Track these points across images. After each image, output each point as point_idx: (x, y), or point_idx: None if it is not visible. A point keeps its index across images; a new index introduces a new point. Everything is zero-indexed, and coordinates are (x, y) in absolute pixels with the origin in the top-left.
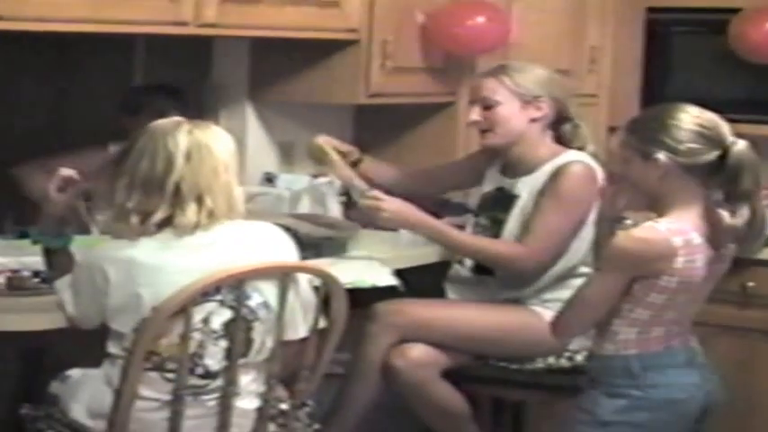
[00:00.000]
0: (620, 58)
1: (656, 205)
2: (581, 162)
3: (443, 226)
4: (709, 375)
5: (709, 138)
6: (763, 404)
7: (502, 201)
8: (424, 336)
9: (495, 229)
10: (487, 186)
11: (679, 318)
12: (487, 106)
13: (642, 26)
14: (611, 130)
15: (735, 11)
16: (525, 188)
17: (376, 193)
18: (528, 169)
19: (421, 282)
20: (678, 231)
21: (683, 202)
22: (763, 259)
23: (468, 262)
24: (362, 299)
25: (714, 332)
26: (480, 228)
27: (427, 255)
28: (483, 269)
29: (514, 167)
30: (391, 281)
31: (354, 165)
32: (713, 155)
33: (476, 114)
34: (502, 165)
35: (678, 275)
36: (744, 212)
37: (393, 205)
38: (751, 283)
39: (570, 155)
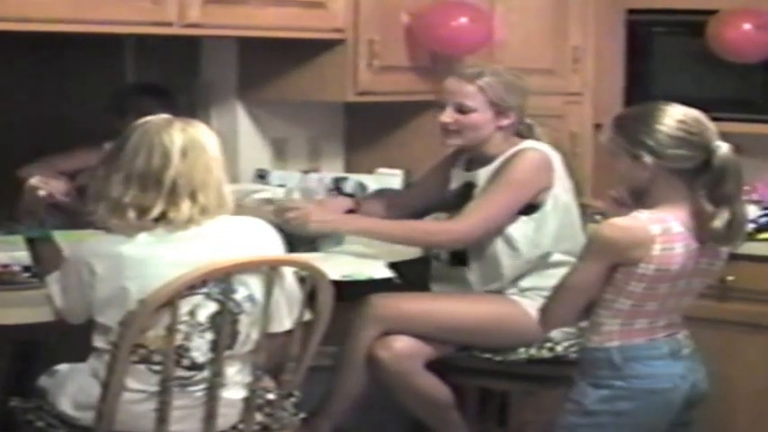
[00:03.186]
0: (602, 58)
1: (645, 199)
2: (534, 149)
3: (370, 221)
4: (694, 367)
5: (693, 143)
6: (743, 396)
7: (466, 194)
8: (408, 328)
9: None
10: (454, 184)
11: (662, 309)
12: (462, 111)
13: (623, 27)
14: (597, 127)
15: (712, 12)
16: (482, 177)
17: (296, 203)
18: (487, 160)
19: (414, 275)
20: (657, 220)
21: (669, 199)
22: (742, 254)
23: (444, 255)
24: (353, 292)
25: (694, 325)
26: None
27: (411, 251)
28: (457, 260)
29: (477, 162)
30: (386, 273)
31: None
32: (698, 160)
33: (449, 116)
34: (466, 161)
35: (655, 263)
36: (724, 215)
37: (317, 212)
38: (730, 277)
39: (527, 143)
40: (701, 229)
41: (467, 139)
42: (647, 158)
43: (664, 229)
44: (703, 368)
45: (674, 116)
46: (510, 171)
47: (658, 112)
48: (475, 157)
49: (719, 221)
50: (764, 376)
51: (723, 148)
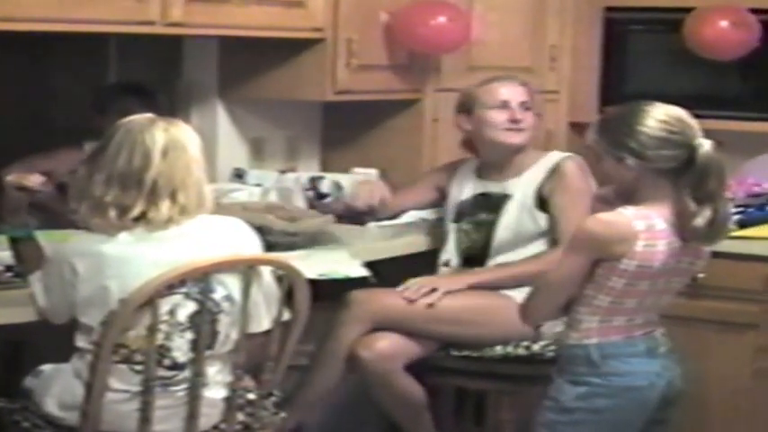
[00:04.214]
0: (579, 56)
1: (631, 198)
2: (572, 157)
3: (475, 276)
4: (670, 365)
5: (675, 142)
6: (714, 393)
7: (486, 204)
8: (394, 323)
9: (479, 231)
10: (466, 194)
11: (640, 307)
12: (527, 108)
13: (600, 25)
14: (572, 125)
15: (689, 10)
16: (518, 188)
17: (419, 283)
18: (516, 171)
19: (391, 273)
20: (642, 216)
21: (654, 197)
22: (713, 251)
23: (455, 261)
24: (329, 291)
25: (666, 323)
26: (463, 232)
27: (396, 247)
28: (472, 264)
29: (499, 171)
30: (363, 272)
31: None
32: (681, 158)
33: (520, 114)
34: (477, 171)
35: (638, 259)
36: (706, 213)
37: (438, 281)
38: (702, 275)
39: (555, 154)
40: (684, 227)
41: (529, 138)
42: (630, 160)
43: (647, 225)
44: (679, 367)
45: (655, 117)
46: (575, 183)
47: (640, 114)
48: (496, 166)
49: (702, 219)
50: (736, 374)
51: (705, 145)
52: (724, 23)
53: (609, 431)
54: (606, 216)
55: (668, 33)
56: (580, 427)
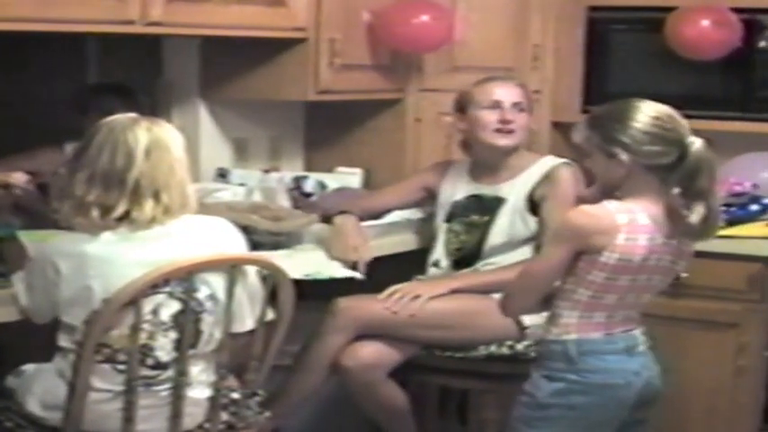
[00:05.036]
0: (561, 56)
1: (619, 195)
2: (567, 164)
3: (458, 280)
4: (649, 364)
5: (668, 139)
6: (696, 392)
7: (479, 206)
8: (378, 330)
9: (470, 233)
10: (459, 194)
11: (620, 304)
12: (520, 110)
13: (583, 24)
14: (555, 125)
15: (671, 9)
16: (512, 191)
17: (396, 290)
18: (510, 174)
19: (378, 272)
20: (625, 210)
21: (641, 193)
22: (695, 250)
23: (445, 262)
24: (315, 291)
25: (648, 322)
26: (453, 233)
27: (384, 247)
28: (461, 265)
29: (492, 173)
30: (348, 273)
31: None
32: (673, 155)
33: (510, 115)
34: (470, 172)
35: (619, 252)
36: (699, 210)
37: (421, 288)
38: (684, 274)
39: (550, 159)
40: (675, 225)
41: (520, 139)
42: (623, 156)
43: (630, 219)
44: (657, 366)
45: (647, 113)
46: (567, 190)
47: (632, 110)
48: (489, 168)
49: (696, 216)
50: (717, 373)
51: (697, 143)
52: (705, 23)
53: (584, 428)
54: (589, 208)
55: (650, 33)
56: (555, 423)
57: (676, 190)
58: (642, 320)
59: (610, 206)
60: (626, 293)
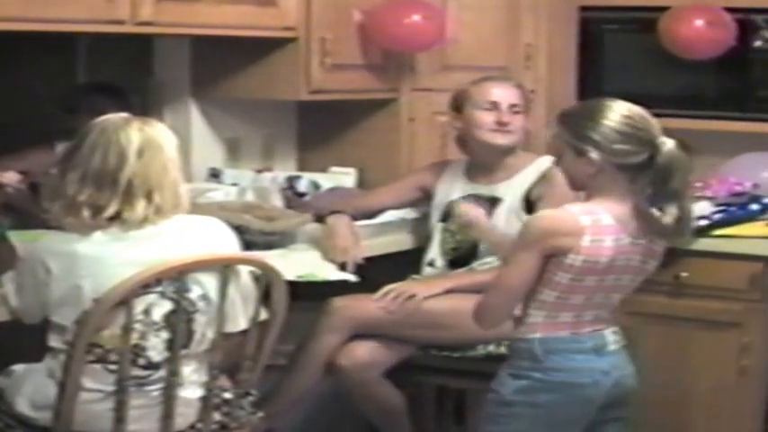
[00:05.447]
0: (555, 56)
1: (587, 193)
2: None
3: (453, 280)
4: (620, 364)
5: (639, 138)
6: (696, 391)
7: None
8: (374, 330)
9: (466, 232)
10: (455, 194)
11: (588, 304)
12: (516, 111)
13: (575, 24)
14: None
15: (664, 9)
16: (509, 191)
17: (391, 289)
18: (506, 174)
19: (373, 272)
20: (588, 212)
21: (607, 193)
22: (696, 250)
23: (440, 261)
24: (308, 291)
25: (648, 321)
26: (448, 233)
27: (379, 246)
28: (456, 265)
29: (489, 173)
30: (341, 275)
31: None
32: (643, 155)
33: (507, 117)
34: (466, 172)
35: (584, 254)
36: (672, 211)
37: (416, 287)
38: (684, 274)
39: (547, 159)
40: (644, 225)
41: (517, 140)
42: (594, 153)
43: (594, 220)
44: (631, 366)
45: (619, 111)
46: (560, 193)
47: (604, 108)
48: (487, 168)
49: (669, 217)
50: (718, 373)
51: (668, 144)
52: (699, 22)
53: (549, 426)
54: (552, 212)
55: (644, 33)
56: (519, 421)
57: (648, 190)
58: (640, 320)
59: (572, 208)
60: (593, 294)
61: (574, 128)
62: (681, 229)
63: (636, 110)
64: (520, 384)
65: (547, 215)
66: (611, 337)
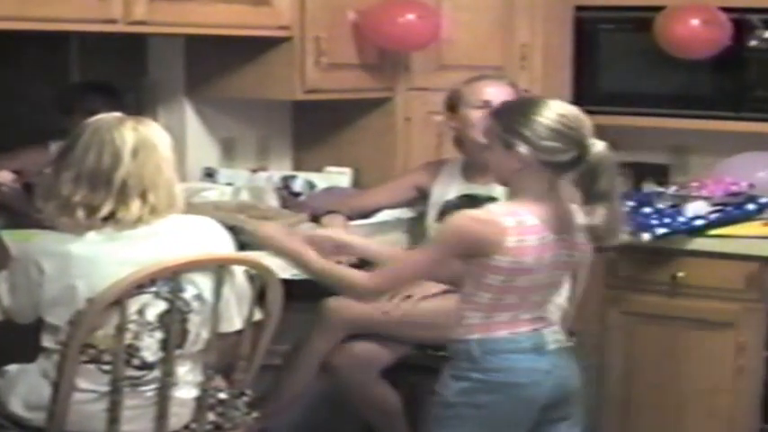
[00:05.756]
0: (550, 55)
1: (510, 190)
2: None
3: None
4: (561, 363)
5: (569, 137)
6: (693, 391)
7: (472, 205)
8: (370, 330)
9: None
10: (451, 194)
11: (524, 303)
12: None
13: (571, 24)
14: None
15: (659, 8)
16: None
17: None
18: None
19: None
20: (510, 213)
21: (533, 192)
22: (692, 250)
23: None
24: (303, 291)
25: (645, 321)
26: None
27: None
28: None
29: (485, 172)
30: None
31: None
32: (571, 154)
33: None
34: (463, 172)
35: (510, 255)
36: (600, 212)
37: (415, 288)
38: (681, 274)
39: None
40: (560, 225)
41: None
42: (521, 148)
43: (517, 221)
44: (573, 365)
45: (553, 109)
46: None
47: (539, 105)
48: (482, 167)
49: (596, 219)
50: (714, 372)
51: (598, 145)
52: (694, 22)
53: (492, 427)
54: (474, 213)
55: (639, 32)
56: (463, 423)
57: (576, 191)
58: (634, 320)
59: (494, 209)
60: (527, 293)
61: (506, 121)
62: (608, 232)
63: (571, 109)
64: (461, 386)
65: (469, 217)
66: (552, 336)
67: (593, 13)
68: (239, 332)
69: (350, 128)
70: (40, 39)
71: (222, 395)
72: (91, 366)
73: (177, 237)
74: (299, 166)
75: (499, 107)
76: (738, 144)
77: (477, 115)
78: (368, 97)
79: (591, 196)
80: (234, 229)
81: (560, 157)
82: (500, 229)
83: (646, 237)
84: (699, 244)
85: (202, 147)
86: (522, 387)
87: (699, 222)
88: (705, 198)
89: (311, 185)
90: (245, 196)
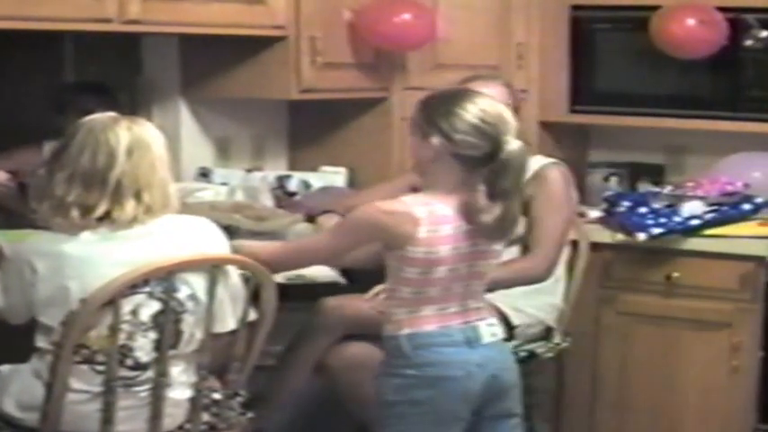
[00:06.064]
0: (546, 55)
1: (423, 180)
2: (557, 164)
3: None
4: (495, 356)
5: (485, 133)
6: (687, 391)
7: None
8: (365, 330)
9: None
10: None
11: (448, 295)
12: None
13: (567, 23)
14: (542, 125)
15: (655, 8)
16: None
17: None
18: None
19: (363, 273)
20: (422, 203)
21: (445, 184)
22: (687, 250)
23: None
24: (298, 292)
25: (639, 321)
26: None
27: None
28: None
29: None
30: (331, 276)
31: None
32: (483, 150)
33: None
34: None
35: (423, 245)
36: (496, 210)
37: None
38: (676, 274)
39: (540, 158)
40: (470, 220)
41: None
42: (435, 139)
43: (429, 211)
44: (510, 358)
45: (477, 104)
46: (553, 192)
47: (464, 98)
48: None
49: (490, 216)
50: (709, 372)
51: (512, 144)
52: (691, 22)
53: (433, 423)
54: (385, 204)
55: (635, 32)
56: (404, 421)
57: (482, 187)
58: (629, 320)
59: (406, 200)
60: (450, 284)
61: (427, 111)
62: (500, 231)
63: (495, 107)
64: (396, 383)
65: (380, 207)
66: (487, 329)
67: (590, 12)
68: (233, 332)
69: (345, 127)
70: (34, 38)
71: (216, 395)
72: (84, 367)
73: (172, 237)
74: (294, 166)
75: (427, 96)
76: (734, 144)
77: None
78: (363, 97)
79: (493, 193)
80: (229, 229)
81: (472, 152)
82: (411, 219)
83: (641, 236)
84: (694, 244)
85: (197, 146)
86: (455, 380)
87: (694, 222)
88: (701, 198)
89: (306, 185)
90: (240, 196)
